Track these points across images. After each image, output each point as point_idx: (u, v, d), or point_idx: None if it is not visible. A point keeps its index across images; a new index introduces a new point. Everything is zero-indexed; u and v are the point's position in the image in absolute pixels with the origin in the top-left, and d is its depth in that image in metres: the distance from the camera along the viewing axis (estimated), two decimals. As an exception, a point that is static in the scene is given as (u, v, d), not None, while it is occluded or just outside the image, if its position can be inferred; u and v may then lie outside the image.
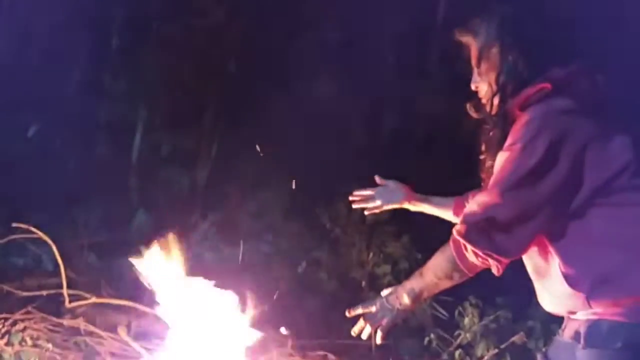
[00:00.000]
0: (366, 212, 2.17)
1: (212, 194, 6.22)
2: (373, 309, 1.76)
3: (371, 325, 1.75)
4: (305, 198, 5.46)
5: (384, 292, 1.79)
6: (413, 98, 6.41)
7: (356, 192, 2.19)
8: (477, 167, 1.77)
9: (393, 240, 4.66)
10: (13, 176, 5.76)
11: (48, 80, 6.39)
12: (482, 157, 1.74)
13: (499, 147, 1.63)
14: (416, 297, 1.72)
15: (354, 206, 2.18)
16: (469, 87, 1.72)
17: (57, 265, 3.57)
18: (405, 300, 1.71)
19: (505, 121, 1.63)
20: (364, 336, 1.77)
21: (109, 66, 6.71)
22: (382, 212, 4.95)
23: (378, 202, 2.15)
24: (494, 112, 1.67)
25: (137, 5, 6.50)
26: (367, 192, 2.17)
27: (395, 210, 5.01)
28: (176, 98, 6.41)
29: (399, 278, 4.24)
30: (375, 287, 4.46)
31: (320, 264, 4.89)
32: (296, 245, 5.23)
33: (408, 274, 4.15)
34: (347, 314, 1.81)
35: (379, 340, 1.74)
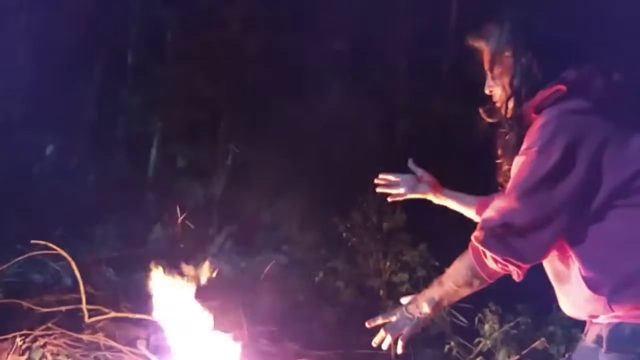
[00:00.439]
0: (389, 199, 2.12)
1: (227, 207, 6.24)
2: (393, 318, 1.74)
3: (392, 335, 1.73)
4: (320, 208, 5.46)
5: (404, 301, 1.78)
6: (428, 105, 6.41)
7: (382, 176, 2.13)
8: (494, 172, 1.75)
9: (410, 249, 4.64)
10: (31, 193, 5.84)
11: (64, 97, 6.48)
12: (498, 161, 1.73)
13: (515, 150, 1.61)
14: (436, 306, 1.70)
15: (378, 190, 2.11)
16: (483, 91, 1.71)
17: (76, 281, 3.60)
18: (425, 309, 1.70)
19: (520, 124, 1.62)
20: (385, 346, 1.75)
21: (124, 81, 6.80)
22: (398, 221, 4.95)
23: (402, 190, 2.09)
24: (509, 115, 1.66)
25: (152, 20, 6.58)
26: (393, 178, 2.12)
27: (411, 218, 4.99)
28: (191, 111, 6.46)
29: (416, 286, 4.22)
30: (393, 296, 4.44)
31: (337, 274, 4.88)
32: (312, 255, 5.23)
33: (426, 282, 4.15)
34: (367, 325, 1.80)
35: (399, 350, 1.72)
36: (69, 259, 3.63)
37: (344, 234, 4.95)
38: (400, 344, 1.72)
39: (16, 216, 5.39)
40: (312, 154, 6.39)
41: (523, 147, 1.58)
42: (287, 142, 6.33)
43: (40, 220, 5.06)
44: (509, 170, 1.64)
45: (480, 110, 1.74)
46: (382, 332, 1.75)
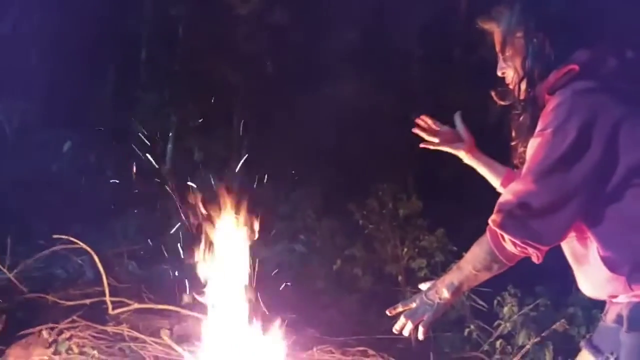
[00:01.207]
0: (421, 145, 2.05)
1: (245, 198, 6.27)
2: (413, 305, 1.75)
3: (412, 321, 1.73)
4: (337, 197, 5.48)
5: (423, 287, 1.78)
6: (443, 92, 6.37)
7: (424, 117, 2.07)
8: (508, 156, 1.75)
9: (427, 234, 4.64)
10: (51, 190, 5.92)
11: (80, 95, 6.55)
12: (513, 143, 1.73)
13: (530, 132, 1.61)
14: (456, 291, 1.70)
15: (414, 130, 2.05)
16: (495, 74, 1.71)
17: (98, 274, 3.66)
18: (445, 294, 1.70)
19: (534, 106, 1.62)
20: (406, 333, 1.75)
21: (139, 78, 6.84)
22: (414, 207, 4.93)
23: (436, 140, 2.04)
24: (522, 97, 1.65)
25: (166, 15, 6.60)
26: (432, 124, 2.06)
27: (427, 204, 4.97)
28: (205, 105, 6.49)
29: (435, 271, 4.23)
30: (411, 282, 4.46)
31: (355, 261, 4.90)
32: (330, 243, 5.25)
33: (444, 267, 4.16)
34: (388, 313, 1.81)
35: (420, 336, 1.73)
36: (91, 252, 3.69)
37: (361, 222, 4.97)
38: (421, 329, 1.73)
39: (37, 213, 5.48)
40: (327, 144, 6.40)
41: (538, 128, 1.57)
42: (302, 132, 6.34)
43: (61, 217, 5.14)
44: (524, 152, 1.64)
45: (493, 93, 1.74)
46: (402, 319, 1.75)
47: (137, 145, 6.55)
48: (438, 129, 2.06)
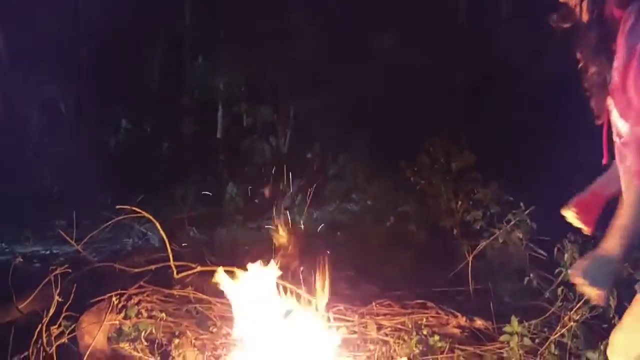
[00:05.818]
0: None
1: (295, 162, 6.34)
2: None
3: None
4: (386, 155, 5.47)
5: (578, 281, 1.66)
6: (487, 54, 6.20)
7: None
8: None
9: (481, 187, 4.59)
10: (112, 164, 6.12)
11: (131, 70, 6.68)
12: (580, 65, 1.66)
13: (597, 50, 1.57)
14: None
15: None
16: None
17: (162, 241, 3.77)
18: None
19: (601, 23, 1.56)
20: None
21: (188, 49, 6.91)
22: (467, 160, 4.87)
23: None
24: (585, 16, 1.60)
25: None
26: None
27: (481, 157, 4.87)
28: (252, 72, 6.52)
29: (492, 222, 4.19)
30: (467, 234, 4.44)
31: (408, 217, 4.91)
32: (383, 201, 5.26)
33: (500, 218, 4.09)
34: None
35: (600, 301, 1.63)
36: (154, 220, 3.79)
37: (412, 178, 4.95)
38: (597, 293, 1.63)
39: (100, 186, 5.68)
40: (373, 103, 6.35)
41: (625, 45, 1.50)
42: (348, 93, 6.31)
43: (123, 188, 5.32)
44: (597, 72, 1.59)
45: (554, 17, 1.67)
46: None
47: (189, 115, 6.68)
48: None
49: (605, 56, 1.57)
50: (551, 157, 5.08)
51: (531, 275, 3.46)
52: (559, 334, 2.93)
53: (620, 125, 1.60)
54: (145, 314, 3.26)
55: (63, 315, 2.97)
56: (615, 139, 1.64)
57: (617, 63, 1.54)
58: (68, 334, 2.95)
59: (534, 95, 5.84)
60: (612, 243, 1.61)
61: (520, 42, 5.92)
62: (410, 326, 3.11)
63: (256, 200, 5.42)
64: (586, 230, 1.60)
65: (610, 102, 1.61)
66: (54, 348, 2.82)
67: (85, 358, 2.83)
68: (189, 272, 3.55)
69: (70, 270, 3.25)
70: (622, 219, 1.60)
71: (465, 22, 6.61)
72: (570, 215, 1.89)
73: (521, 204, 3.92)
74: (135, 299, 3.36)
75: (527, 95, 5.87)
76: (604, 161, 1.71)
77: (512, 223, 3.94)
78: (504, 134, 5.39)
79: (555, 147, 5.00)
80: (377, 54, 6.34)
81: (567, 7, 1.64)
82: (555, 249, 3.38)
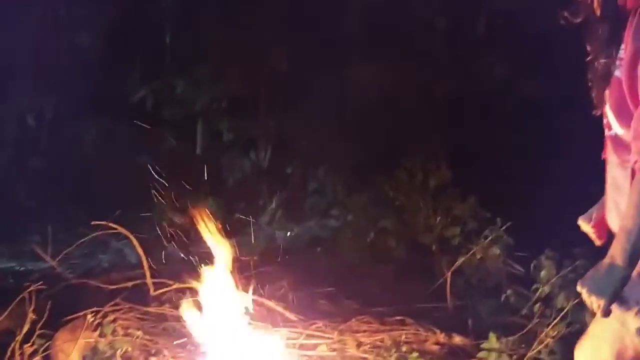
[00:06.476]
0: None
1: (275, 176, 6.33)
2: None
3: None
4: (365, 170, 5.49)
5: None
6: (470, 64, 6.27)
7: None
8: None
9: (459, 203, 4.62)
10: (86, 178, 6.05)
11: (107, 82, 6.62)
12: (589, 58, 1.67)
13: (609, 44, 1.58)
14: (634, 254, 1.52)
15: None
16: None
17: (139, 257, 3.73)
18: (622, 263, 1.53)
19: (613, 16, 1.58)
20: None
21: (168, 62, 6.89)
22: (444, 177, 4.93)
23: None
24: (598, 10, 1.61)
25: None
26: None
27: (457, 173, 4.92)
28: (232, 86, 6.51)
29: (469, 238, 4.21)
30: (446, 251, 4.46)
31: (388, 233, 4.92)
32: (362, 216, 5.27)
33: (478, 234, 4.13)
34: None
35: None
36: (130, 236, 3.76)
37: (391, 194, 4.97)
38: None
39: (74, 201, 5.60)
40: (353, 118, 6.38)
41: (634, 40, 1.51)
42: (328, 107, 6.34)
43: (98, 203, 5.24)
44: (607, 64, 1.60)
45: (565, 14, 1.67)
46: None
47: (167, 130, 6.63)
48: None
49: (615, 47, 1.59)
50: (529, 174, 5.15)
51: (508, 291, 3.49)
52: (536, 350, 2.95)
53: (610, 118, 1.61)
54: (121, 332, 3.22)
55: (37, 333, 2.92)
56: (606, 129, 1.66)
57: (624, 55, 1.55)
58: (42, 352, 2.90)
59: (512, 111, 5.92)
60: (617, 249, 1.55)
61: (499, 58, 6.01)
62: (389, 343, 3.11)
63: (236, 215, 5.40)
64: (599, 242, 1.59)
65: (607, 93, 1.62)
66: (27, 366, 2.76)
67: (59, 377, 2.78)
68: (166, 289, 3.52)
69: (44, 287, 3.21)
70: (625, 219, 1.55)
71: (445, 39, 6.67)
72: (587, 229, 1.87)
73: (498, 219, 3.95)
74: (111, 317, 3.32)
75: (505, 112, 5.95)
76: (603, 155, 1.71)
77: (489, 239, 3.97)
78: (482, 150, 5.46)
79: (533, 164, 5.07)
80: (358, 71, 6.38)
81: (578, 3, 1.65)
82: (532, 265, 3.42)
